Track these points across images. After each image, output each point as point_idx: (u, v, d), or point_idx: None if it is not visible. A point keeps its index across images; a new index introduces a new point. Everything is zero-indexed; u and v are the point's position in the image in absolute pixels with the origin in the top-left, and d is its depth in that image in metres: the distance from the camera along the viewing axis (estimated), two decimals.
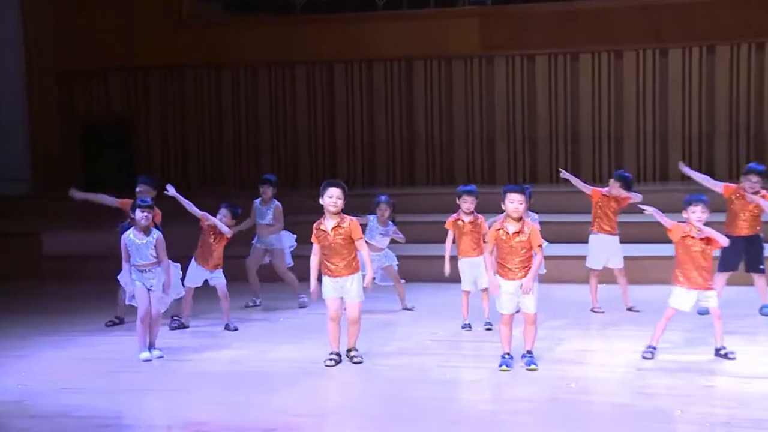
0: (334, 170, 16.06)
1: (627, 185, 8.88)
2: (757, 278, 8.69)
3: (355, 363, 7.10)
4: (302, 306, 9.50)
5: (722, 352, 7.07)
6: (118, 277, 7.91)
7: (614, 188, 8.88)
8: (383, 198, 9.08)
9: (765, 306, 8.68)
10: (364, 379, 6.94)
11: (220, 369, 7.27)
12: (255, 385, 6.74)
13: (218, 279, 8.55)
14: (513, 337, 6.99)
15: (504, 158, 15.60)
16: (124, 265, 7.42)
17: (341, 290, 7.05)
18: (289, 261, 9.67)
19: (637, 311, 8.79)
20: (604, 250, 8.91)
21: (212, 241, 8.53)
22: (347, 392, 6.73)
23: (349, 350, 7.18)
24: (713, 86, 14.88)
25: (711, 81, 14.87)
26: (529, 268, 6.72)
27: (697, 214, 7.03)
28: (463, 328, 8.25)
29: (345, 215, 7.11)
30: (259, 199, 9.62)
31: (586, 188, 9.02)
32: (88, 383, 6.93)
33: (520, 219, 6.73)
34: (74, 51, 16.29)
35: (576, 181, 9.06)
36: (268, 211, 9.54)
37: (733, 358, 7.01)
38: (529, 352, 6.93)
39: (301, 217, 9.94)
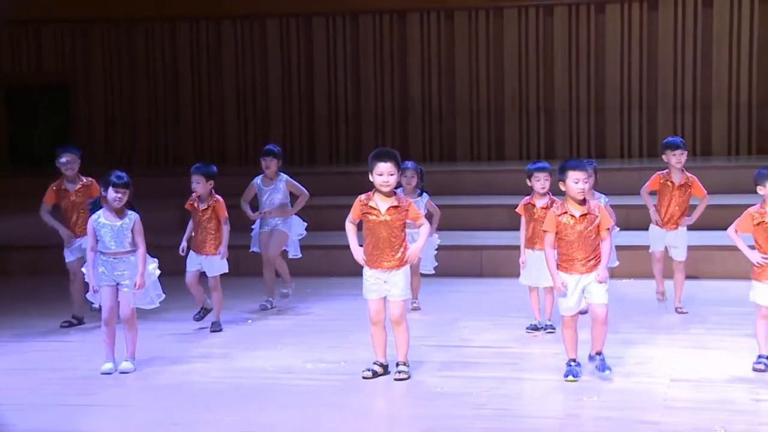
0: (312, 143, 15.96)
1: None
2: None
3: (396, 379, 6.93)
4: (284, 296, 9.53)
5: None
6: (83, 268, 7.74)
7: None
8: (409, 164, 8.94)
9: None
10: (357, 392, 6.82)
11: (178, 381, 7.20)
12: (218, 401, 6.65)
13: (208, 266, 8.62)
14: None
15: (515, 130, 15.58)
16: (89, 254, 7.36)
17: (383, 287, 6.91)
18: (297, 252, 9.59)
19: (685, 312, 8.84)
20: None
21: (198, 219, 8.61)
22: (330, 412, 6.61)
23: (397, 364, 7.01)
24: None
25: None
26: (597, 257, 6.73)
27: None
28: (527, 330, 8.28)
29: (401, 195, 7.14)
30: (260, 176, 9.43)
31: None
32: (22, 397, 6.88)
33: (584, 201, 6.77)
34: None
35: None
36: (275, 188, 9.36)
37: None
38: (599, 353, 6.88)
39: None
